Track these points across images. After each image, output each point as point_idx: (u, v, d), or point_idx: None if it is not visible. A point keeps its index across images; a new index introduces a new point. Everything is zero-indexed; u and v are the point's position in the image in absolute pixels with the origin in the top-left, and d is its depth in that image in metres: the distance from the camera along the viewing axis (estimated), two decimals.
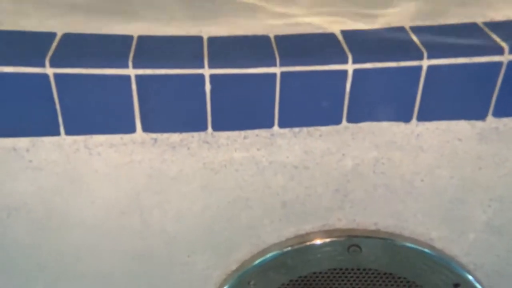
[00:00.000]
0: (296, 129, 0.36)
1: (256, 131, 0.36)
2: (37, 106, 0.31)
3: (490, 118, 0.34)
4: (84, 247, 0.38)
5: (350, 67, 0.33)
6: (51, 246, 0.38)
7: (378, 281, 0.43)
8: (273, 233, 0.41)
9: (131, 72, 0.32)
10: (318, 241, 0.41)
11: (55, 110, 0.32)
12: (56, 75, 0.30)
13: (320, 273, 0.43)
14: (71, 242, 0.38)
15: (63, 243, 0.38)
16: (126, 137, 0.34)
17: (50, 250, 0.38)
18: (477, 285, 0.41)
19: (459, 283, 0.40)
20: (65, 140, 0.33)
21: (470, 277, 0.41)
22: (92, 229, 0.37)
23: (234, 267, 0.43)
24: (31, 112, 0.31)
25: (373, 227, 0.41)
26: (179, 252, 0.41)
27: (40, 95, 0.30)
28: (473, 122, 0.35)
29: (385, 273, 0.42)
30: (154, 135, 0.35)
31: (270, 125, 0.36)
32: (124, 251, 0.39)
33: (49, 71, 0.30)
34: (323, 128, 0.36)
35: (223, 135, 0.36)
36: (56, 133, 0.32)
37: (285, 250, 0.41)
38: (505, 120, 0.34)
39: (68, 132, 0.33)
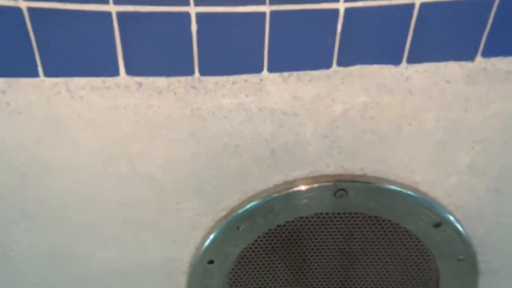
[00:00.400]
0: (286, 74, 0.35)
1: (245, 76, 0.35)
2: (11, 43, 0.29)
3: (479, 58, 0.34)
4: (70, 195, 0.38)
5: (341, 5, 0.32)
6: (34, 193, 0.37)
7: (363, 224, 0.44)
8: (261, 180, 0.42)
9: (112, 8, 0.30)
10: (305, 187, 0.41)
11: (31, 48, 0.30)
12: (30, 9, 0.28)
13: (307, 217, 0.44)
14: (57, 190, 0.37)
15: (48, 191, 0.37)
16: (109, 80, 0.33)
17: (34, 197, 0.38)
18: (456, 224, 0.43)
19: (440, 223, 0.42)
20: (44, 82, 0.32)
21: (451, 217, 0.42)
22: (78, 177, 0.36)
23: (223, 213, 0.43)
24: (5, 49, 0.29)
25: (360, 172, 0.42)
26: (168, 199, 0.41)
27: (14, 31, 0.28)
28: (462, 63, 0.35)
29: (370, 217, 0.44)
30: (138, 79, 0.34)
31: (259, 69, 0.35)
32: (112, 198, 0.39)
33: (22, 4, 0.28)
34: (313, 73, 0.36)
35: (211, 80, 0.35)
36: (34, 74, 0.31)
37: (273, 196, 0.41)
38: (494, 60, 0.34)
39: (48, 74, 0.31)
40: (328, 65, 0.35)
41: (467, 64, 0.35)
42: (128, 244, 0.43)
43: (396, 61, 0.35)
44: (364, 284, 0.48)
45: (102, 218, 0.40)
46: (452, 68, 0.35)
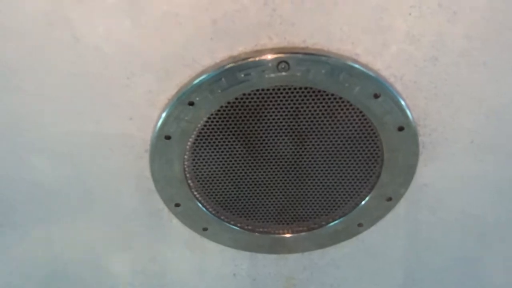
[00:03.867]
0: None
1: None
2: None
3: None
4: (17, 60, 0.39)
5: None
6: None
7: (308, 99, 0.46)
8: (207, 55, 0.43)
9: None
10: (249, 60, 0.43)
11: None
12: None
13: (254, 93, 0.46)
14: (6, 57, 0.39)
15: None
16: None
17: None
18: (396, 95, 0.45)
19: (379, 94, 0.44)
20: None
21: (390, 88, 0.44)
22: (24, 42, 0.38)
23: (175, 91, 0.46)
24: None
25: (302, 45, 0.43)
26: (117, 72, 0.43)
27: None
28: None
29: (314, 91, 0.46)
30: None
31: None
32: (61, 66, 0.40)
33: None
34: None
35: None
36: None
37: (219, 70, 0.43)
38: None
39: None
40: None
41: None
42: (85, 118, 0.46)
43: None
44: (314, 160, 0.52)
45: (55, 88, 0.42)
46: None
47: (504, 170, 0.53)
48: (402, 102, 0.45)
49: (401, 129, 0.47)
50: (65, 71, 0.41)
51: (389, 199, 0.55)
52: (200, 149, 0.51)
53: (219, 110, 0.47)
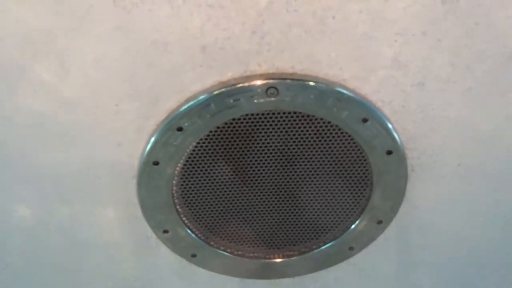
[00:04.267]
0: None
1: None
2: None
3: None
4: (3, 90, 0.39)
5: None
6: None
7: (297, 123, 0.46)
8: (196, 81, 0.43)
9: None
10: (239, 85, 0.43)
11: None
12: None
13: (244, 118, 0.46)
14: None
15: None
16: None
17: None
18: (383, 119, 0.45)
19: (367, 118, 0.45)
20: None
21: (378, 113, 0.45)
22: (9, 67, 0.37)
23: (164, 116, 0.46)
24: None
25: (290, 71, 0.43)
26: (105, 99, 0.42)
27: None
28: None
29: (303, 116, 0.46)
30: None
31: None
32: (50, 96, 0.40)
33: None
34: None
35: None
36: None
37: (208, 96, 0.43)
38: None
39: None
40: None
41: None
42: (74, 147, 0.45)
43: None
44: (304, 184, 0.52)
45: (43, 117, 0.41)
46: None
47: (492, 193, 0.53)
48: (390, 126, 0.46)
49: (389, 152, 0.47)
50: (54, 100, 0.40)
51: (380, 222, 0.55)
52: (189, 174, 0.50)
53: (208, 135, 0.47)
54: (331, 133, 0.47)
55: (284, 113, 0.46)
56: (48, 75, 0.38)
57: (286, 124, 0.47)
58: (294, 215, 0.55)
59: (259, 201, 0.53)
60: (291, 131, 0.47)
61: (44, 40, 0.36)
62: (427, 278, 0.62)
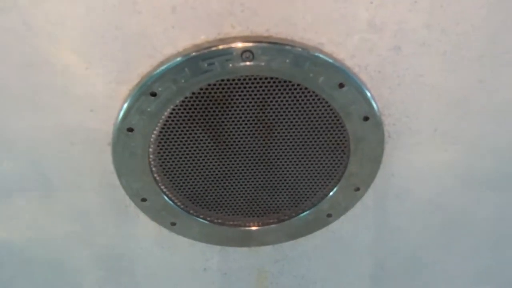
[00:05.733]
0: None
1: None
2: None
3: None
4: None
5: None
6: None
7: (274, 89, 0.46)
8: (168, 43, 0.42)
9: None
10: (212, 48, 0.42)
11: None
12: None
13: (220, 84, 0.45)
14: None
15: None
16: None
17: None
18: (360, 84, 0.45)
19: (343, 84, 0.44)
20: None
21: (354, 78, 0.44)
22: None
23: (136, 81, 0.45)
24: None
25: (265, 34, 0.42)
26: (74, 62, 0.41)
27: None
28: None
29: (279, 81, 0.45)
30: None
31: None
32: (14, 57, 0.38)
33: None
34: None
35: None
36: None
37: (181, 60, 0.42)
38: None
39: None
40: None
41: None
42: (45, 112, 0.44)
43: None
44: (282, 151, 0.52)
45: (10, 81, 0.40)
46: None
47: (468, 159, 0.54)
48: (367, 92, 0.45)
49: (366, 119, 0.47)
50: (19, 62, 0.39)
51: (357, 189, 0.55)
52: (165, 142, 0.50)
53: (183, 101, 0.46)
54: (308, 99, 0.47)
55: (260, 78, 0.45)
56: (11, 33, 0.37)
57: (263, 90, 0.46)
58: (273, 183, 0.55)
59: (237, 169, 0.53)
60: (268, 97, 0.47)
61: None
62: (404, 244, 0.64)
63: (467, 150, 0.53)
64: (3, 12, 0.36)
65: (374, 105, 0.46)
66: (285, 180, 0.55)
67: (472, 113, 0.49)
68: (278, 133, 0.50)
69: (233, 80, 0.45)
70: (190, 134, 0.49)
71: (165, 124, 0.48)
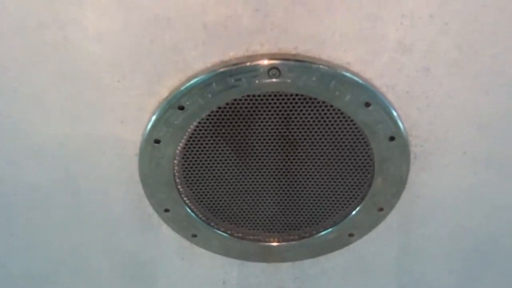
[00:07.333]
0: None
1: None
2: None
3: None
4: (8, 60, 0.39)
5: None
6: None
7: (299, 106, 0.46)
8: (199, 59, 0.43)
9: None
10: (240, 65, 0.43)
11: None
12: None
13: (246, 99, 0.46)
14: None
15: None
16: None
17: None
18: (386, 104, 0.44)
19: (370, 103, 0.44)
20: None
21: (381, 97, 0.44)
22: (10, 41, 0.38)
23: (166, 94, 0.46)
24: None
25: (293, 51, 0.43)
26: (108, 74, 0.42)
27: None
28: None
29: (305, 98, 0.45)
30: None
31: None
32: (52, 69, 0.40)
33: None
34: None
35: None
36: None
37: (209, 75, 0.43)
38: None
39: None
40: None
41: None
42: (77, 121, 0.46)
43: None
44: (305, 167, 0.51)
45: (46, 90, 0.42)
46: None
47: (498, 183, 0.52)
48: (394, 112, 0.45)
49: (392, 139, 0.47)
50: (54, 73, 0.41)
51: (381, 209, 0.54)
52: (190, 154, 0.51)
53: (209, 115, 0.47)
54: (333, 117, 0.47)
55: (286, 95, 0.45)
56: (50, 46, 0.39)
57: (288, 106, 0.46)
58: (295, 199, 0.55)
59: (260, 184, 0.53)
60: (293, 113, 0.47)
61: (47, 11, 0.37)
62: (428, 268, 0.62)
63: (497, 173, 0.51)
64: (46, 26, 0.38)
65: (401, 125, 0.46)
66: (307, 197, 0.54)
67: (503, 136, 0.48)
68: (302, 149, 0.50)
69: (259, 96, 0.46)
70: (215, 147, 0.50)
71: (190, 137, 0.49)
